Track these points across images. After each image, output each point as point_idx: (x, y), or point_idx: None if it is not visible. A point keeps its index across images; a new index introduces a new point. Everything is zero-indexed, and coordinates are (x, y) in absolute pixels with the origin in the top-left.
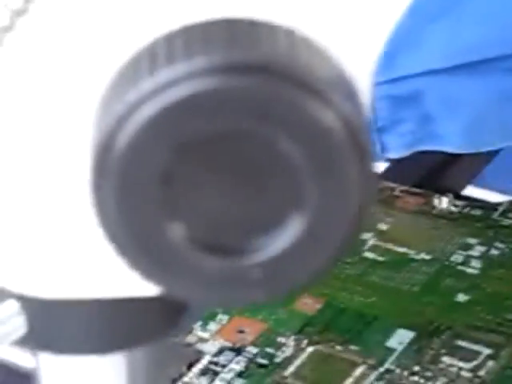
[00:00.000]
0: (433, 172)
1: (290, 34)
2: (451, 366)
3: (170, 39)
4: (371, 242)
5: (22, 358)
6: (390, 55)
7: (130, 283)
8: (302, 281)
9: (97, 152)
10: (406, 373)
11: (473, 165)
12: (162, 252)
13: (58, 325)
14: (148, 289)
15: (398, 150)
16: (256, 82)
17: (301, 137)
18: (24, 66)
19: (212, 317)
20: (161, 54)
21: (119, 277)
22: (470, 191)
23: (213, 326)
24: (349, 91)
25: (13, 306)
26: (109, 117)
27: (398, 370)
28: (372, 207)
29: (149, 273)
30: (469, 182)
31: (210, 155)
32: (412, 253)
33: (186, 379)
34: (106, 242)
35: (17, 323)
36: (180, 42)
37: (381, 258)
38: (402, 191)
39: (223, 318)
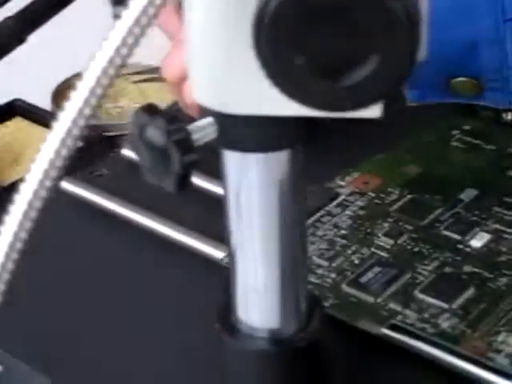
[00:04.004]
0: None
1: None
2: (498, 212)
3: None
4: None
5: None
6: None
7: (279, 105)
8: (374, 98)
9: (256, 16)
10: (469, 214)
11: None
12: (292, 73)
13: (238, 131)
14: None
15: None
16: None
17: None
18: None
19: (348, 172)
20: None
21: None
22: None
23: (348, 179)
24: None
25: (209, 119)
26: None
27: (463, 213)
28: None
29: (284, 88)
30: None
31: (325, 15)
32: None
33: (327, 208)
34: (261, 69)
35: (211, 130)
36: None
37: (463, 146)
38: None
39: (355, 174)
